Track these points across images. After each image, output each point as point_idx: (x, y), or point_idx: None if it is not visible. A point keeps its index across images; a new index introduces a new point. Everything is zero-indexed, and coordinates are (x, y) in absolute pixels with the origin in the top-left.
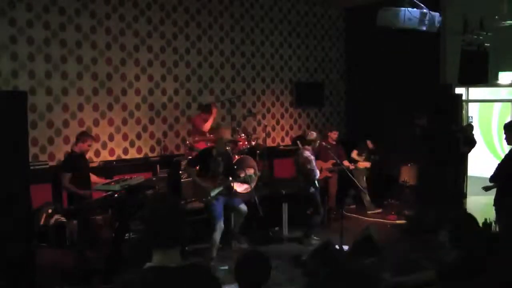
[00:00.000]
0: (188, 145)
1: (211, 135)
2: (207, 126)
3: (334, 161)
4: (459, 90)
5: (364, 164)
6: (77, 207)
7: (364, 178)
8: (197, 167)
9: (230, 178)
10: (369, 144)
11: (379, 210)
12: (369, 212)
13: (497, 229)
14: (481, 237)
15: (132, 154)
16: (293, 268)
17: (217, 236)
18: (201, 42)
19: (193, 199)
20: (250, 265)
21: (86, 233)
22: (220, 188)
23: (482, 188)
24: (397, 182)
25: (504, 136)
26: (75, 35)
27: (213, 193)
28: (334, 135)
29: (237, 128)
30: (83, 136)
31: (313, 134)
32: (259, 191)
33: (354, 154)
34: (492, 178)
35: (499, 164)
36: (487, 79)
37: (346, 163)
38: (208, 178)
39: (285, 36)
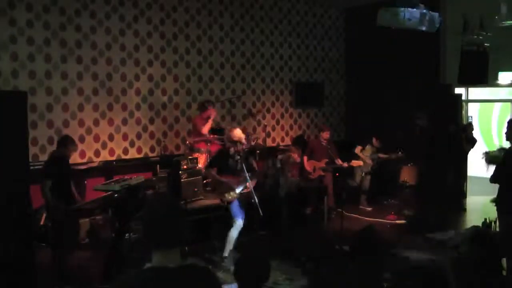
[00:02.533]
0: (188, 145)
1: (211, 136)
2: (206, 128)
3: (327, 159)
4: (459, 90)
5: (357, 163)
6: (72, 208)
7: (363, 174)
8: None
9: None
10: (375, 141)
11: (370, 209)
12: (360, 207)
13: (497, 228)
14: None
15: (132, 154)
16: (293, 268)
17: (235, 233)
18: (201, 42)
19: (219, 197)
20: (250, 265)
21: (77, 234)
22: (244, 185)
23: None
24: (397, 182)
25: (505, 130)
26: (75, 35)
27: (238, 190)
28: (326, 135)
29: None
30: (65, 141)
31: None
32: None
33: (358, 150)
34: (492, 179)
35: (498, 164)
36: (487, 79)
37: (339, 161)
38: (228, 177)
39: (285, 36)
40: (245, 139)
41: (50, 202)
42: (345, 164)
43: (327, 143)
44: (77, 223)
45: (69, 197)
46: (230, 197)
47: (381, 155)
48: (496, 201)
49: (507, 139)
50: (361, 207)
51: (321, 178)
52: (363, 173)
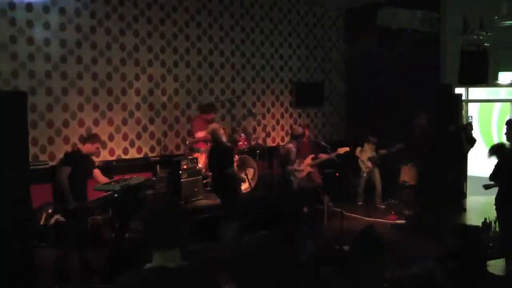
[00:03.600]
0: (188, 145)
1: (209, 136)
2: (201, 134)
3: (312, 155)
4: (459, 90)
5: (343, 150)
6: (77, 207)
7: (364, 174)
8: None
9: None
10: (371, 137)
11: (383, 206)
12: (377, 205)
13: (497, 228)
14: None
15: (132, 154)
16: (293, 268)
17: (235, 234)
18: (201, 42)
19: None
20: (246, 265)
21: (86, 233)
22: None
23: (482, 186)
24: (397, 182)
25: (504, 131)
26: (75, 35)
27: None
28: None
29: (237, 128)
30: (94, 138)
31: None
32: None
33: (358, 151)
34: (492, 177)
35: (497, 163)
36: (487, 79)
37: (322, 155)
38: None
39: (285, 36)
40: (243, 139)
41: (65, 191)
42: (332, 154)
43: (308, 141)
44: (86, 222)
45: (82, 195)
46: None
47: (381, 151)
48: (487, 186)
49: (508, 139)
50: (377, 205)
51: (310, 174)
52: (365, 173)
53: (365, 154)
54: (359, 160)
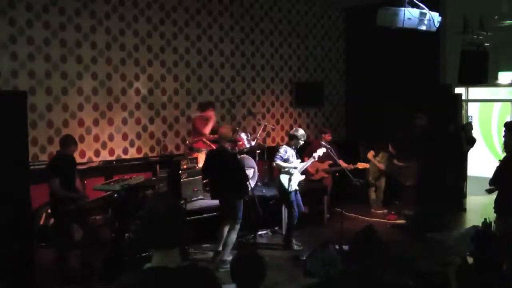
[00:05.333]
0: (188, 145)
1: (211, 136)
2: (208, 128)
3: (330, 161)
4: (459, 90)
5: (363, 165)
6: (76, 207)
7: (370, 178)
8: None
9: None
10: (391, 148)
11: (384, 211)
12: (373, 210)
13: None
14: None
15: (132, 154)
16: (293, 268)
17: (234, 236)
18: (201, 42)
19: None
20: (246, 265)
21: (86, 233)
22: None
23: (485, 190)
24: (397, 183)
25: (503, 133)
26: (75, 35)
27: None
28: (328, 137)
29: (237, 128)
30: (65, 140)
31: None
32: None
33: (370, 155)
34: (492, 182)
35: (497, 167)
36: (487, 79)
37: (342, 162)
38: None
39: (285, 36)
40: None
41: (65, 197)
42: (351, 166)
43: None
44: (86, 222)
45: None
46: None
47: (396, 162)
48: (489, 191)
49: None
50: (372, 210)
51: (322, 179)
52: (371, 178)
53: (379, 159)
54: (370, 162)
